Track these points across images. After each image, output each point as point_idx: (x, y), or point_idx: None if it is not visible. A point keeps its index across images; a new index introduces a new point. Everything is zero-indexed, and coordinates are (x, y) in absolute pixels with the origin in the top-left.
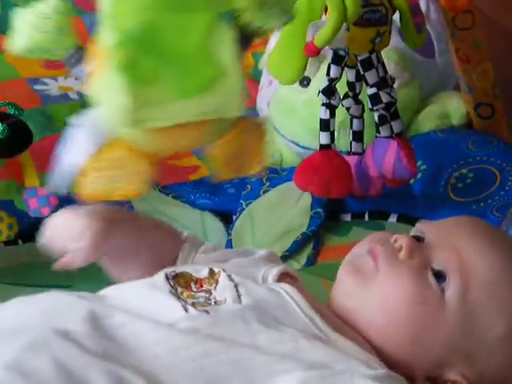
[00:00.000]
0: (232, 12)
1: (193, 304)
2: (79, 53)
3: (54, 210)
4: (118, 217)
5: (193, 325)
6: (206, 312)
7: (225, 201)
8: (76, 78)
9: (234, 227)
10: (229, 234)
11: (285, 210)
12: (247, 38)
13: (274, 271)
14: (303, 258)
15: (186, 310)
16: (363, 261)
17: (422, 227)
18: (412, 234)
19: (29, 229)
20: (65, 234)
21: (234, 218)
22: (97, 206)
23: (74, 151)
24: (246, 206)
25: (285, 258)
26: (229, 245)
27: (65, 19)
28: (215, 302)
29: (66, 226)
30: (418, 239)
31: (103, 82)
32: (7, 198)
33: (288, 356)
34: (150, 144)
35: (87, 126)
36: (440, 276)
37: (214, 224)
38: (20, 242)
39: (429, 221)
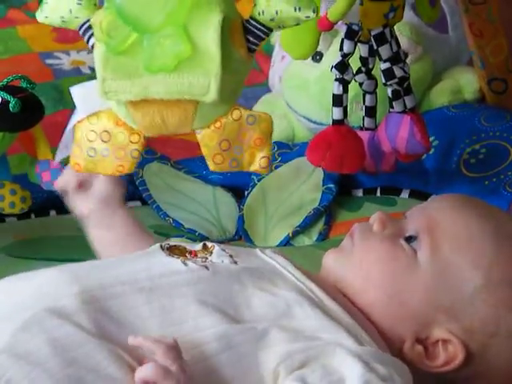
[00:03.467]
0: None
1: (191, 261)
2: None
3: None
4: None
5: (192, 277)
6: (206, 267)
7: (237, 176)
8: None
9: (246, 203)
10: (240, 210)
11: (297, 186)
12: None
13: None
14: (315, 234)
15: (186, 265)
16: (343, 242)
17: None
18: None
19: (42, 202)
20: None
21: (246, 193)
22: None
23: (73, 119)
24: (258, 181)
25: (296, 233)
26: (240, 220)
27: None
28: (212, 263)
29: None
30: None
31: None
32: (21, 171)
33: (276, 323)
34: (133, 120)
35: (84, 95)
36: (412, 240)
37: (225, 199)
38: (33, 215)
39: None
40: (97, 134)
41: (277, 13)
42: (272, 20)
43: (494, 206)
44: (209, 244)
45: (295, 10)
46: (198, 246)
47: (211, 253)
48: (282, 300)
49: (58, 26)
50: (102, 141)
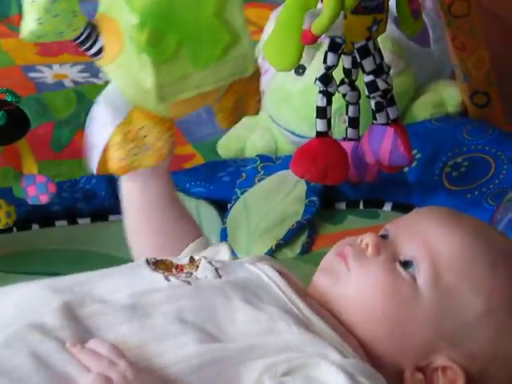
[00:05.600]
0: None
1: (175, 277)
2: (90, 30)
3: (53, 197)
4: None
5: (174, 293)
6: (188, 283)
7: (220, 189)
8: (91, 56)
9: (229, 215)
10: (224, 223)
11: (279, 199)
12: None
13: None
14: (298, 247)
15: (168, 280)
16: (335, 264)
17: (386, 226)
18: (379, 234)
19: (25, 216)
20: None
21: (229, 206)
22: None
23: (98, 129)
24: (241, 194)
25: (279, 246)
26: (223, 233)
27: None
28: (196, 278)
29: None
30: (384, 237)
31: (125, 61)
32: (5, 185)
33: (261, 340)
34: (170, 111)
35: (106, 101)
36: (409, 265)
37: (208, 212)
38: (15, 229)
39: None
40: (135, 131)
41: None
42: None
43: (479, 220)
44: (196, 257)
45: None
46: (185, 260)
47: (197, 267)
48: (267, 315)
49: (50, 41)
50: (142, 136)
